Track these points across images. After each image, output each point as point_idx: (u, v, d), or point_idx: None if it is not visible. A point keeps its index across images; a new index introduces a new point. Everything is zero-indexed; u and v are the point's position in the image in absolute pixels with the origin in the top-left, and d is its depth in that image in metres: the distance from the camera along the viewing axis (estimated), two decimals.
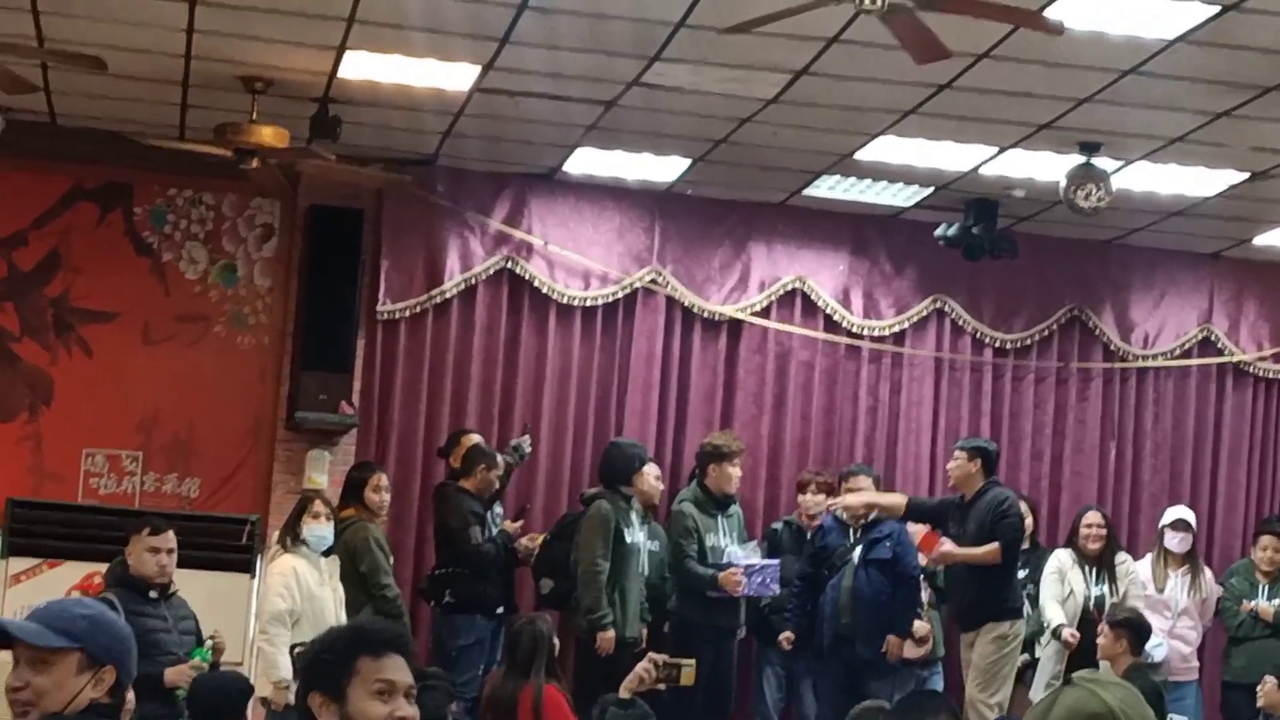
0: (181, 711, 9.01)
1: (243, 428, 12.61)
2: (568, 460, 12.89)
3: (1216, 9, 8.69)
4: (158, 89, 11.03)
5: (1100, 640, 10.58)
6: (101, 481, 12.38)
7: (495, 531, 11.64)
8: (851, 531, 11.71)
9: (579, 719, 8.81)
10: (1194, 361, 14.00)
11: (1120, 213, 12.32)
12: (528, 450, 12.26)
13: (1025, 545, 11.91)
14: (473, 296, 12.84)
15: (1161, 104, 10.28)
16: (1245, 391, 14.13)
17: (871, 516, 11.67)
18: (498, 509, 11.89)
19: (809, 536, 12.08)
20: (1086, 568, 11.97)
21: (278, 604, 10.35)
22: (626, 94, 10.68)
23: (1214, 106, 10.27)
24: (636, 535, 11.63)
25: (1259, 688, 10.46)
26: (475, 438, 11.99)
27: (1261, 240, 13.41)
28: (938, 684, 12.05)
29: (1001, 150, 11.43)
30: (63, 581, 10.91)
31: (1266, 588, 12.37)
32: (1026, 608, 11.75)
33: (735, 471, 11.96)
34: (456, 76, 10.54)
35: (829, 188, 12.66)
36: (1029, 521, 12.10)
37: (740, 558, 11.77)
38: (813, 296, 13.41)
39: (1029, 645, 11.82)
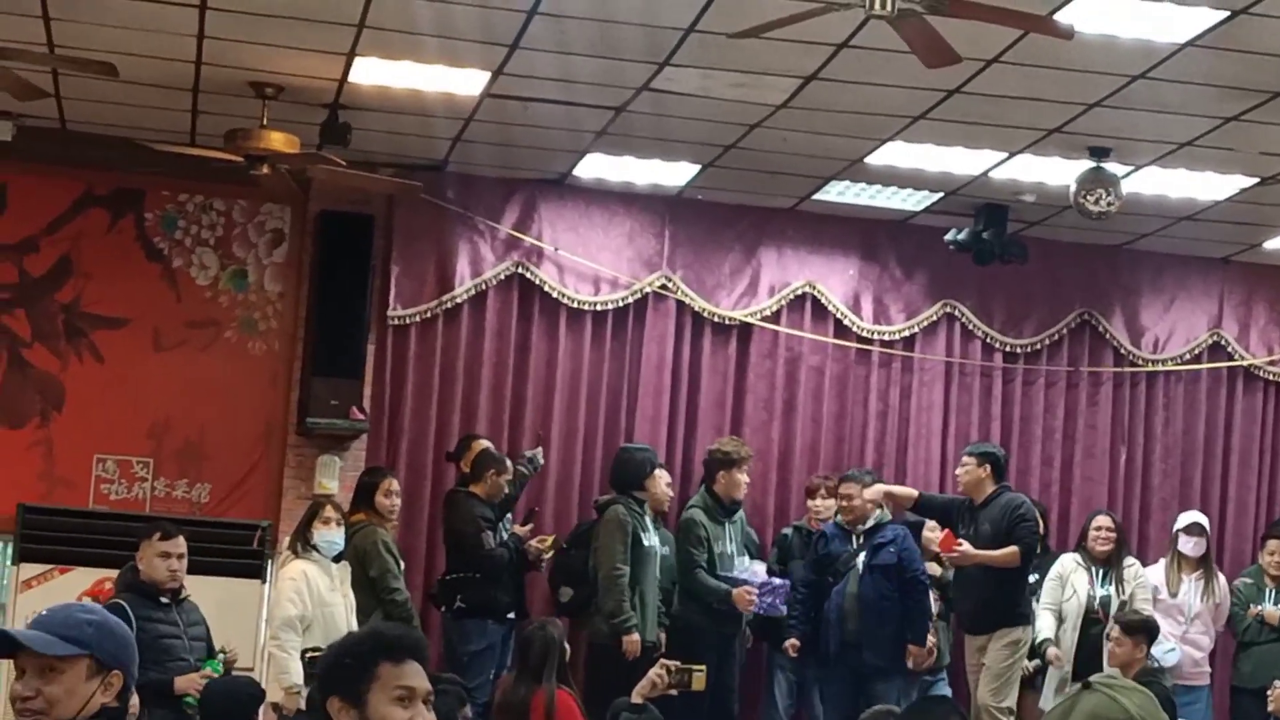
0: (192, 719, 9.03)
1: (253, 433, 12.62)
2: (578, 465, 12.89)
3: (1226, 13, 8.69)
4: (168, 95, 11.05)
5: (1114, 647, 10.56)
6: (112, 487, 12.39)
7: (506, 535, 11.65)
8: (854, 538, 11.69)
9: None
10: (1204, 366, 14.00)
11: (1130, 217, 12.32)
12: (541, 461, 12.26)
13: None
14: (483, 302, 12.85)
15: (1171, 108, 10.27)
16: (1255, 396, 14.12)
17: (873, 521, 11.65)
18: (509, 522, 11.88)
19: (813, 542, 12.07)
20: (1094, 569, 11.97)
21: (289, 609, 10.35)
22: (636, 99, 10.69)
23: (1224, 111, 10.27)
24: (652, 539, 11.65)
25: (1269, 692, 10.45)
26: (484, 443, 12.00)
27: (1271, 245, 13.40)
28: (943, 690, 12.04)
29: (1011, 155, 11.43)
30: (74, 587, 10.92)
31: (1274, 592, 12.36)
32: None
33: (743, 478, 11.96)
34: (467, 82, 10.54)
35: (839, 193, 12.67)
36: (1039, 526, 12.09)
37: (755, 576, 11.77)
38: (823, 301, 13.41)
39: (1034, 651, 11.82)
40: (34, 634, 4.15)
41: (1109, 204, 11.13)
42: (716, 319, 13.24)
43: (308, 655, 9.99)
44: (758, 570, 11.91)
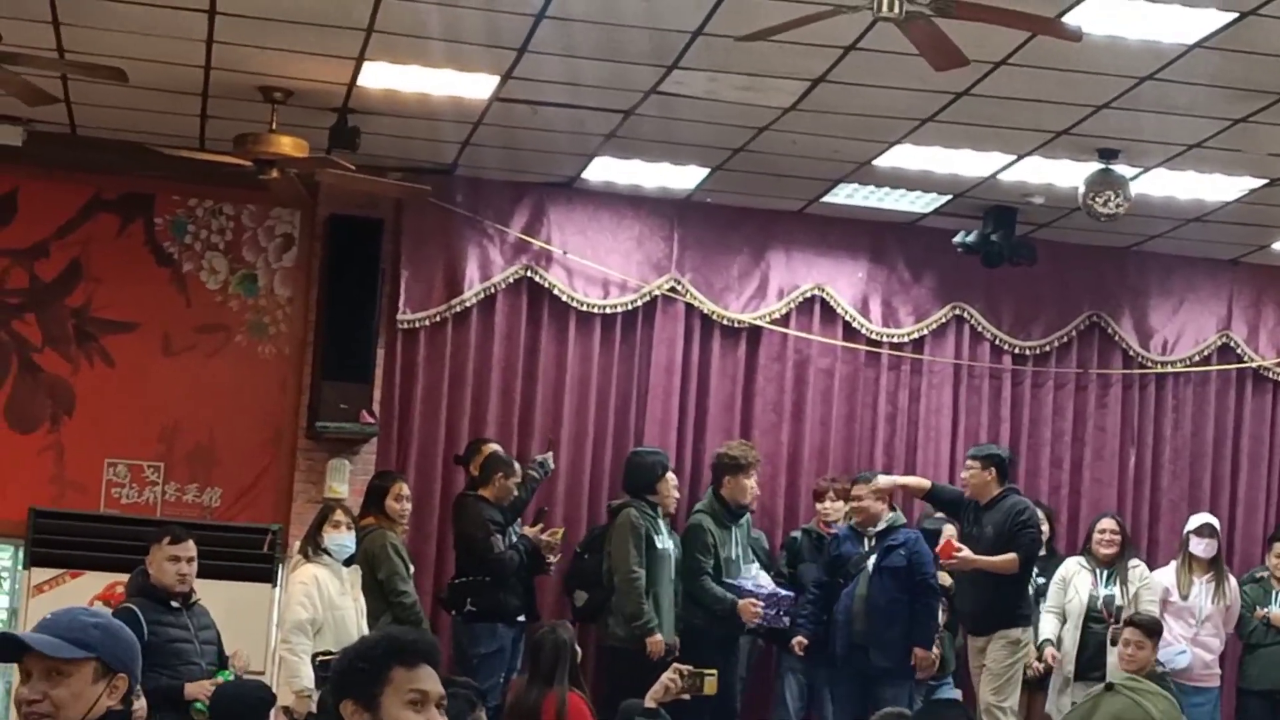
0: None
1: (263, 437, 12.64)
2: (587, 468, 12.91)
3: (1234, 15, 8.69)
4: (177, 100, 11.07)
5: (1134, 650, 10.55)
6: (123, 491, 12.41)
7: (515, 539, 11.66)
8: (866, 540, 11.70)
9: None
10: (1213, 367, 13.99)
11: (1139, 219, 12.31)
12: (551, 466, 12.26)
13: (1042, 552, 11.92)
14: (492, 305, 12.86)
15: (1179, 110, 10.27)
16: (1265, 397, 14.11)
17: (884, 523, 11.66)
18: (519, 525, 11.88)
19: (826, 544, 12.08)
20: (1098, 570, 11.97)
21: (299, 613, 10.36)
22: (644, 103, 10.70)
23: (1232, 112, 10.27)
24: (666, 542, 11.66)
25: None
26: (494, 446, 12.01)
27: None
28: (950, 693, 12.04)
29: (1020, 157, 11.43)
30: (84, 591, 10.96)
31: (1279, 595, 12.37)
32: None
33: (751, 483, 11.95)
34: (475, 86, 10.56)
35: (847, 195, 12.67)
36: (1045, 529, 12.09)
37: (762, 589, 11.76)
38: (832, 304, 13.41)
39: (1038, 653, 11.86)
40: (41, 637, 4.16)
41: (1117, 206, 11.12)
42: (725, 322, 13.24)
43: (318, 659, 10.01)
44: (763, 579, 11.90)
